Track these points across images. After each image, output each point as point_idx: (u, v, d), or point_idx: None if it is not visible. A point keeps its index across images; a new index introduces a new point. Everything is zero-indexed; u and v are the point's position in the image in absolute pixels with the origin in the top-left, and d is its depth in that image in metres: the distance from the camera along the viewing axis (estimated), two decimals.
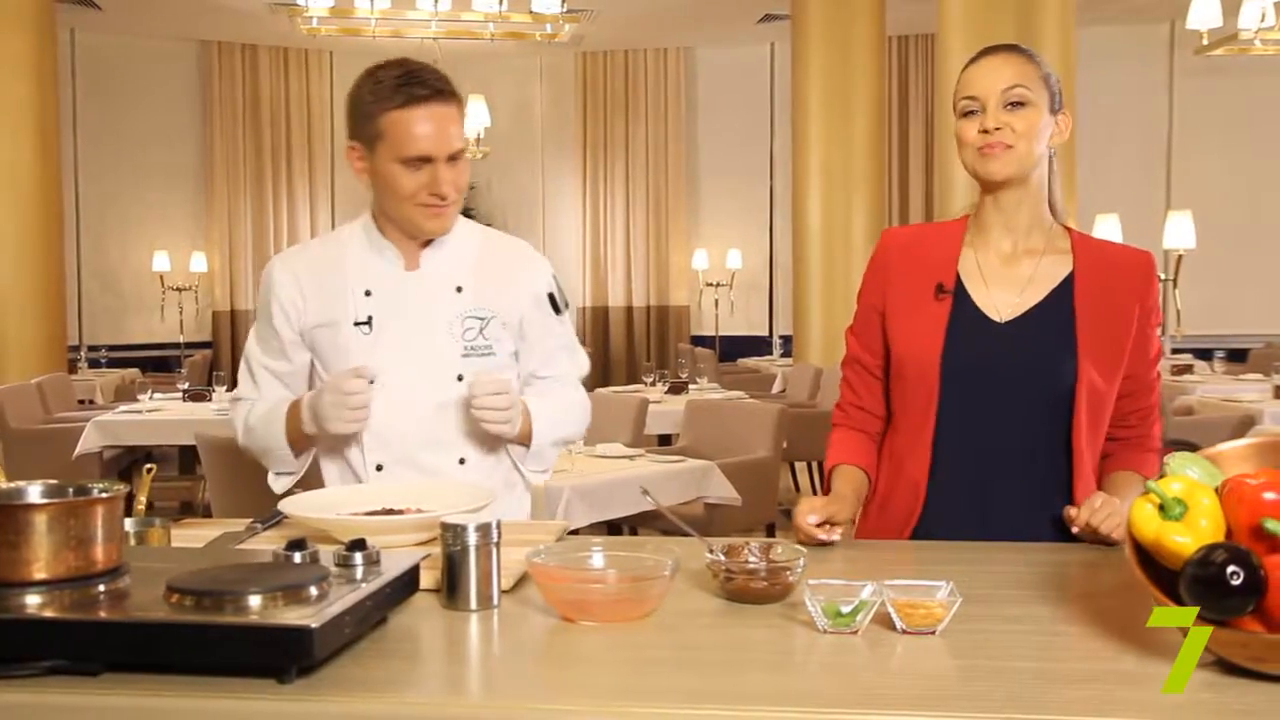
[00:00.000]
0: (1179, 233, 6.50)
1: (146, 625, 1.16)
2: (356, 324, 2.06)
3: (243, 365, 2.21)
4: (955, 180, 6.26)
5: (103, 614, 1.18)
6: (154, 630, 1.15)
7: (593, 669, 1.27)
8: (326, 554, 1.39)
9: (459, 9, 7.90)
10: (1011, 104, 1.83)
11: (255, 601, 1.19)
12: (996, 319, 1.87)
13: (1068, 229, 1.92)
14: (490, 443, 2.10)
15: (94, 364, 9.98)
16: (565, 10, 7.76)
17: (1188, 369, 8.12)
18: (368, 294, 2.07)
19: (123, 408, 6.59)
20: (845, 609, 1.33)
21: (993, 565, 1.66)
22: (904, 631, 1.32)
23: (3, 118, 7.77)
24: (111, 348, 10.71)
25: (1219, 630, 1.13)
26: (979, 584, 1.56)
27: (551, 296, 2.16)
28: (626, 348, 12.02)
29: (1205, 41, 8.07)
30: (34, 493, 1.29)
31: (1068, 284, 1.87)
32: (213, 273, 11.27)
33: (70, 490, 1.30)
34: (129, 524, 1.62)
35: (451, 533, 1.43)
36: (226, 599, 1.19)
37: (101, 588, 1.26)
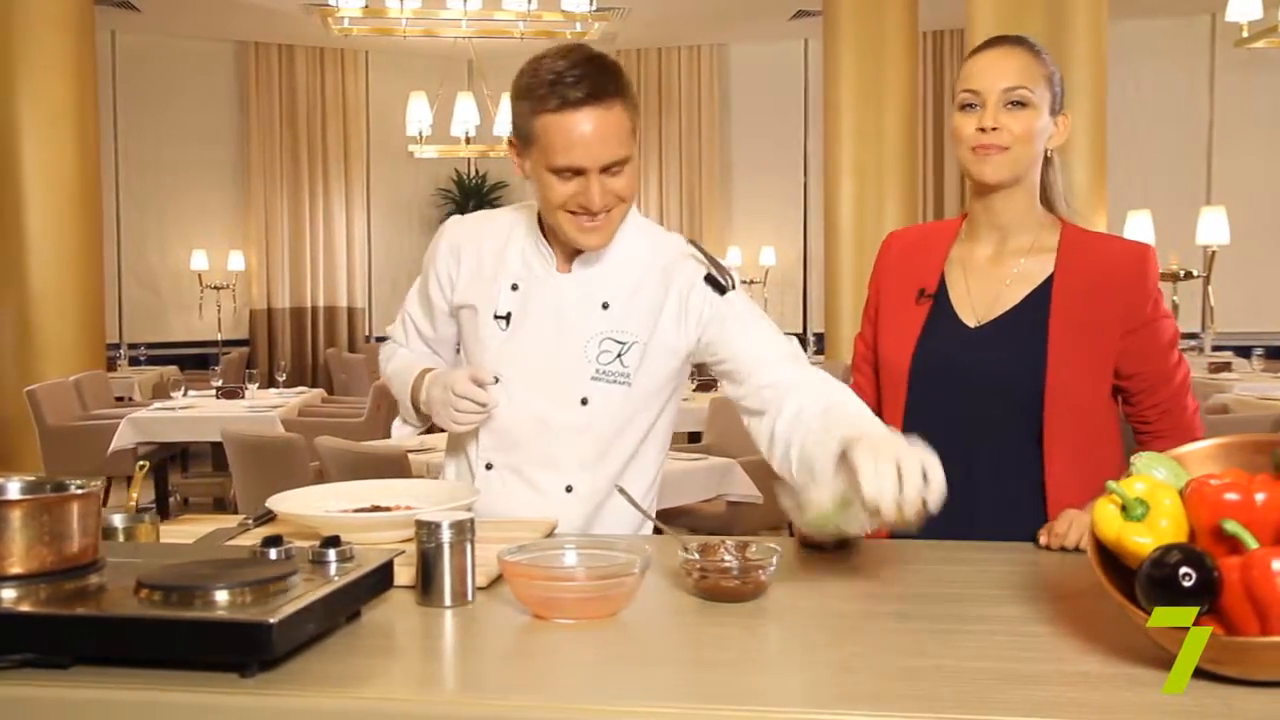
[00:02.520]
0: (1212, 229, 6.41)
1: (112, 620, 1.18)
2: (496, 317, 1.93)
3: (401, 309, 2.14)
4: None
5: (72, 609, 1.20)
6: (119, 624, 1.17)
7: (563, 667, 1.28)
8: (302, 550, 1.41)
9: (490, 8, 7.94)
10: (1012, 104, 1.79)
11: (222, 597, 1.21)
12: (972, 323, 1.84)
13: (1063, 224, 1.88)
14: (605, 476, 1.91)
15: (134, 362, 10.14)
16: (595, 8, 7.79)
17: (1225, 366, 8.00)
18: (514, 288, 1.93)
19: (157, 405, 6.69)
20: None
21: (970, 565, 1.65)
22: None
23: (43, 118, 7.90)
24: (151, 345, 10.87)
25: (1176, 632, 1.12)
26: (954, 583, 1.56)
27: (710, 279, 1.85)
28: None
29: (1245, 34, 7.95)
30: (9, 488, 1.31)
31: (1047, 284, 1.83)
32: (250, 271, 11.39)
33: (47, 486, 1.32)
34: (118, 519, 1.64)
35: (426, 529, 1.44)
36: (194, 594, 1.21)
37: (75, 582, 1.28)
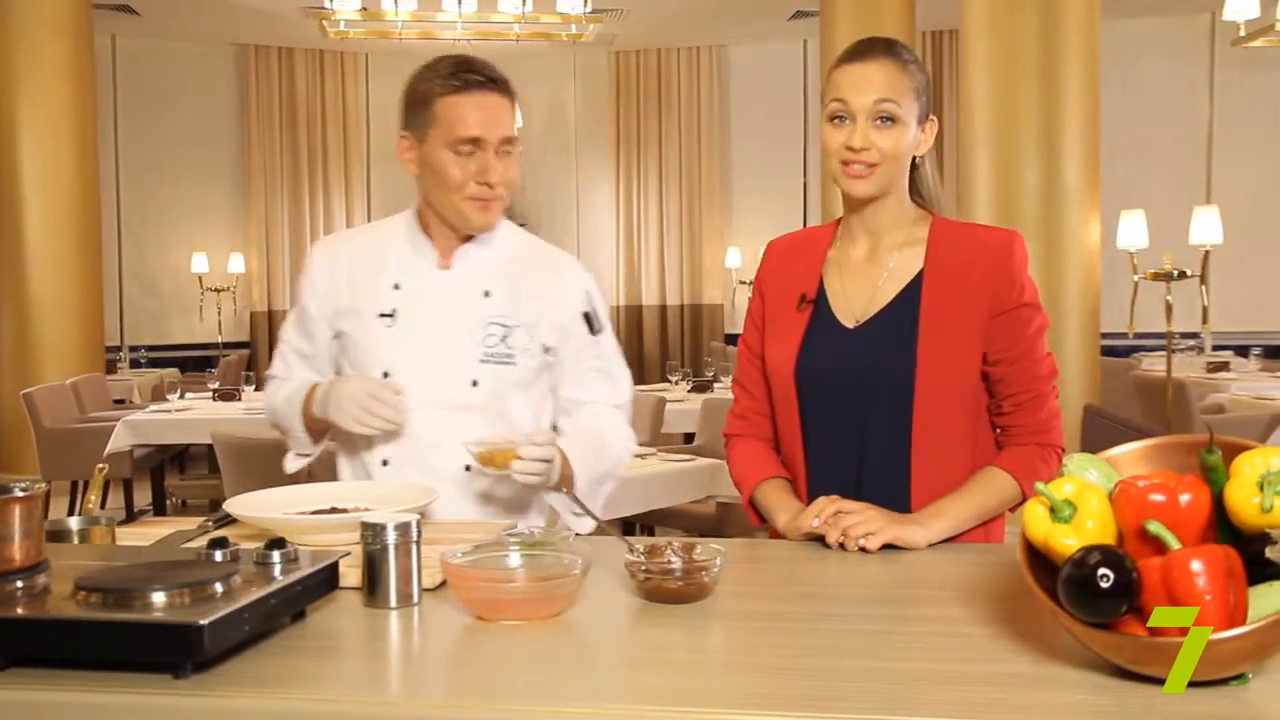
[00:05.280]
0: (1205, 228, 6.39)
1: (44, 621, 1.19)
2: (381, 315, 2.07)
3: (278, 345, 2.25)
4: (977, 177, 6.21)
5: (7, 610, 1.21)
6: (51, 626, 1.18)
7: (504, 667, 1.29)
8: (248, 552, 1.42)
9: (486, 10, 7.95)
10: (881, 119, 1.80)
11: (158, 598, 1.22)
12: (850, 324, 1.87)
13: (933, 216, 1.90)
14: None
15: (135, 364, 10.17)
16: (590, 10, 7.80)
17: (1224, 366, 8.00)
18: (396, 287, 2.08)
19: (153, 407, 6.70)
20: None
21: (915, 566, 1.65)
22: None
23: (42, 121, 7.94)
24: (151, 348, 10.90)
25: (1099, 632, 1.12)
26: (898, 584, 1.57)
27: (588, 316, 2.11)
28: (660, 346, 12.03)
29: (1242, 33, 7.93)
30: None
31: (919, 279, 1.85)
32: (250, 274, 11.41)
33: None
34: (74, 522, 1.65)
35: (371, 532, 1.45)
36: (131, 596, 1.22)
37: (18, 584, 1.29)
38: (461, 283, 2.08)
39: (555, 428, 2.18)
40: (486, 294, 2.07)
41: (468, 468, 2.04)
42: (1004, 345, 1.82)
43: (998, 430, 1.88)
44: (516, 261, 2.12)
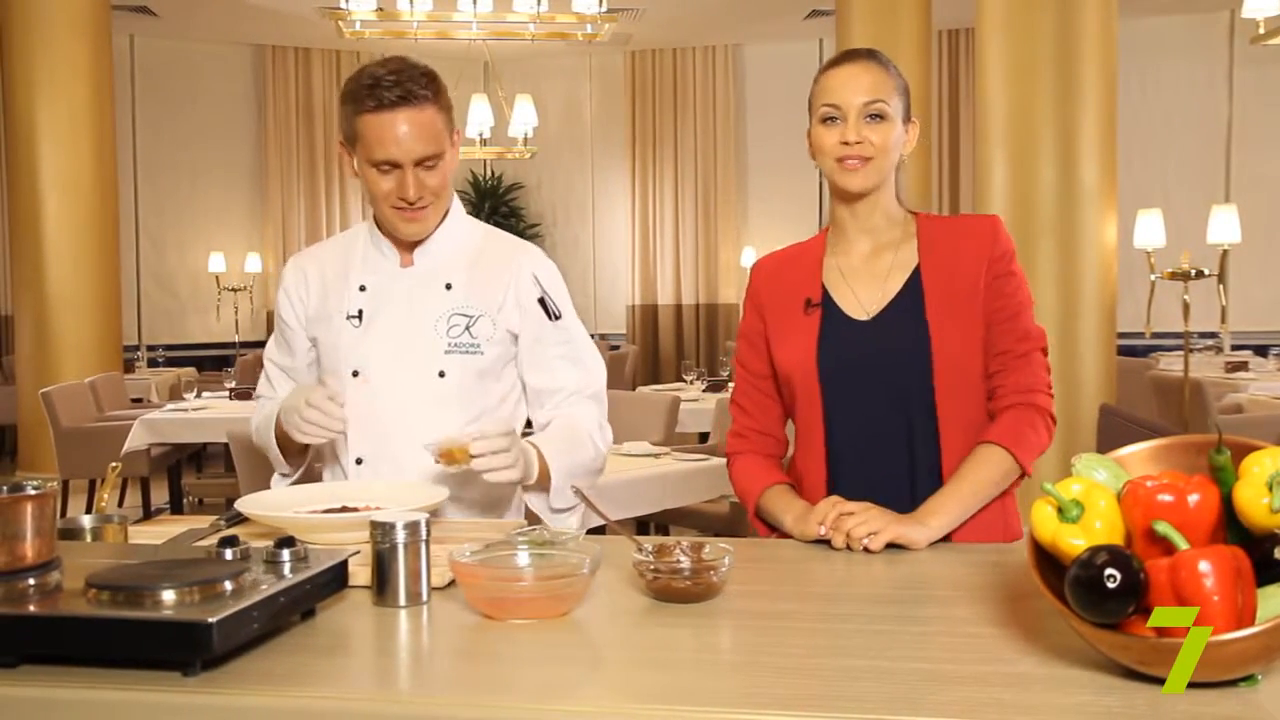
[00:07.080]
0: (1224, 227, 6.35)
1: (55, 619, 1.20)
2: (348, 317, 2.10)
3: (263, 367, 2.28)
4: (993, 176, 6.18)
5: (18, 608, 1.22)
6: (63, 624, 1.19)
7: (512, 666, 1.29)
8: (258, 551, 1.42)
9: (501, 10, 7.95)
10: (871, 116, 1.88)
11: (169, 596, 1.23)
12: (863, 318, 1.92)
13: (917, 214, 1.98)
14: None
15: (152, 363, 10.23)
16: (606, 10, 7.79)
17: (1242, 365, 7.94)
18: (362, 289, 2.11)
19: (170, 406, 6.73)
20: None
21: (927, 565, 1.65)
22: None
23: (61, 122, 7.98)
24: (169, 347, 10.96)
25: (1106, 633, 1.12)
26: (907, 584, 1.57)
27: (542, 302, 2.11)
28: (675, 346, 12.02)
29: (1261, 30, 7.87)
30: None
31: (918, 268, 1.92)
32: (267, 273, 11.45)
33: (2, 488, 1.34)
34: (86, 520, 1.66)
35: (380, 530, 1.46)
36: (143, 594, 1.23)
37: (31, 582, 1.30)
38: (423, 278, 2.10)
39: (529, 422, 2.19)
40: (448, 287, 2.09)
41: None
42: (995, 307, 1.89)
43: (989, 398, 1.91)
44: (477, 252, 2.13)
